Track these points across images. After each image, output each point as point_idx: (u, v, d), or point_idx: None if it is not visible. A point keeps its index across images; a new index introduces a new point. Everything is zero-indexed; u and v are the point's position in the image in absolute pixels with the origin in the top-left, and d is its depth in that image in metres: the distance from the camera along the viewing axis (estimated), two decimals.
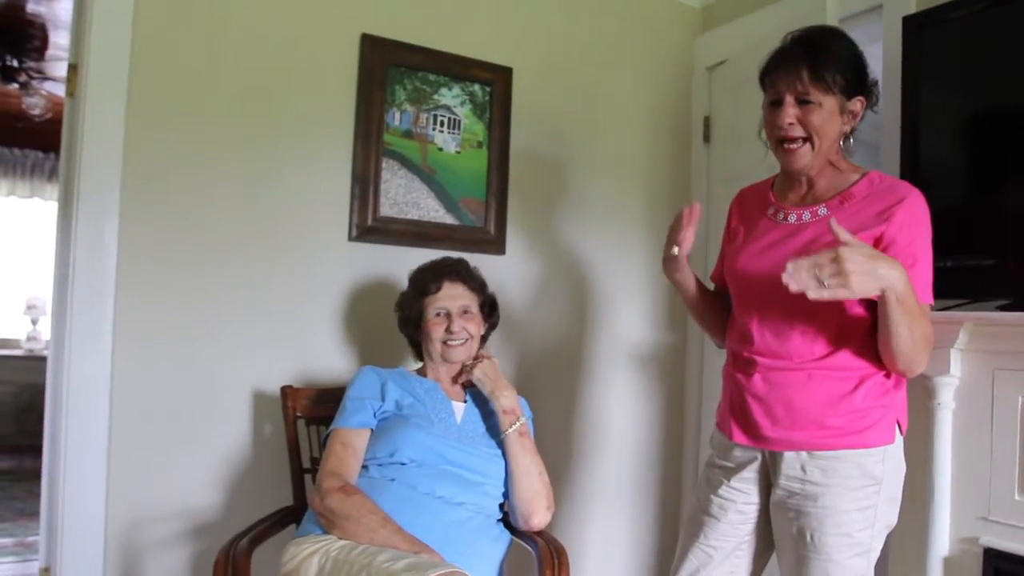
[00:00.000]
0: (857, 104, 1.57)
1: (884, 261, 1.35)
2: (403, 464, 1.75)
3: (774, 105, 1.58)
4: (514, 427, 1.86)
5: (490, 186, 2.62)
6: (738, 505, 1.64)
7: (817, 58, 1.53)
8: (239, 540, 1.74)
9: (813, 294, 1.33)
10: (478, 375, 1.92)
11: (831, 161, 1.60)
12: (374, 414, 1.84)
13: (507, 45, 2.67)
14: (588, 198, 2.85)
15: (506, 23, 2.69)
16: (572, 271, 2.82)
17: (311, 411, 2.12)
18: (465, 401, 1.96)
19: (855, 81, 1.55)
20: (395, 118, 2.46)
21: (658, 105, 3.02)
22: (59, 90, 4.46)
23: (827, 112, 1.53)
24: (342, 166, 2.38)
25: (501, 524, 1.85)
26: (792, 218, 1.62)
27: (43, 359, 2.32)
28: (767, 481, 1.62)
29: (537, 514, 1.83)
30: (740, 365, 1.66)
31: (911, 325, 1.41)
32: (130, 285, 2.08)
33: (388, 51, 2.43)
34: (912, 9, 2.23)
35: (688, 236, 1.67)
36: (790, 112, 1.54)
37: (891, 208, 1.49)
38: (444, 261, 2.07)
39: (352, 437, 1.80)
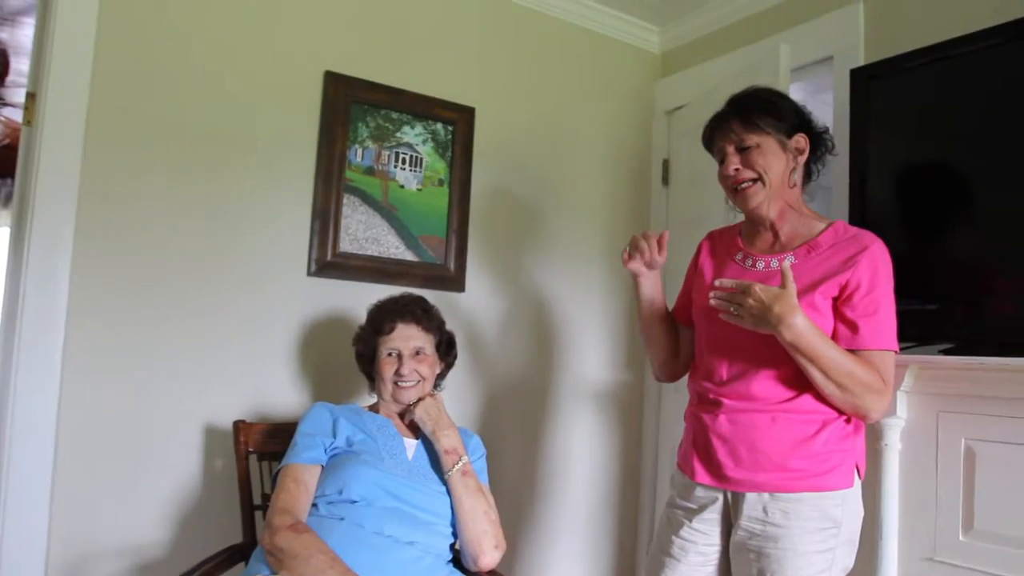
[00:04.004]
0: (800, 140, 1.65)
1: (776, 309, 1.45)
2: (353, 502, 1.73)
3: (722, 162, 1.68)
4: (456, 467, 1.84)
5: (451, 224, 2.63)
6: (699, 546, 1.65)
7: (743, 108, 1.65)
8: None
9: (722, 315, 1.53)
10: (419, 414, 1.91)
11: (791, 206, 1.67)
12: (325, 450, 1.82)
13: (470, 85, 2.71)
14: (548, 237, 2.88)
15: (469, 64, 2.73)
16: (531, 309, 2.84)
17: (263, 446, 2.09)
18: (417, 438, 1.95)
19: (790, 120, 1.65)
20: (357, 155, 2.47)
21: (618, 147, 3.08)
22: (18, 116, 4.40)
23: (767, 151, 1.63)
24: (303, 201, 2.38)
25: (451, 565, 1.83)
26: (760, 265, 1.68)
27: None
28: (728, 522, 1.63)
29: (485, 554, 1.81)
30: (705, 405, 1.68)
31: (823, 369, 1.49)
32: (81, 316, 2.05)
33: (352, 89, 2.45)
34: (861, 62, 2.32)
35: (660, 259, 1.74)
36: (733, 160, 1.65)
37: (856, 256, 1.56)
38: (401, 300, 2.06)
39: (303, 473, 1.77)
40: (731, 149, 1.65)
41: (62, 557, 2.01)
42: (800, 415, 1.56)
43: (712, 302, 1.54)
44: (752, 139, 1.62)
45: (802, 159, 1.66)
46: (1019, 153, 1.81)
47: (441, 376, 2.10)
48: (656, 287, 1.82)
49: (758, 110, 1.63)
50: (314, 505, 1.76)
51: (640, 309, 1.85)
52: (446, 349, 2.09)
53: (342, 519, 1.71)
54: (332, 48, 2.45)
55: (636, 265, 1.76)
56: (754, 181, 1.63)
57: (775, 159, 1.63)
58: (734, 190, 1.67)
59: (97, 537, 2.06)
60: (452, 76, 2.68)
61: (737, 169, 1.64)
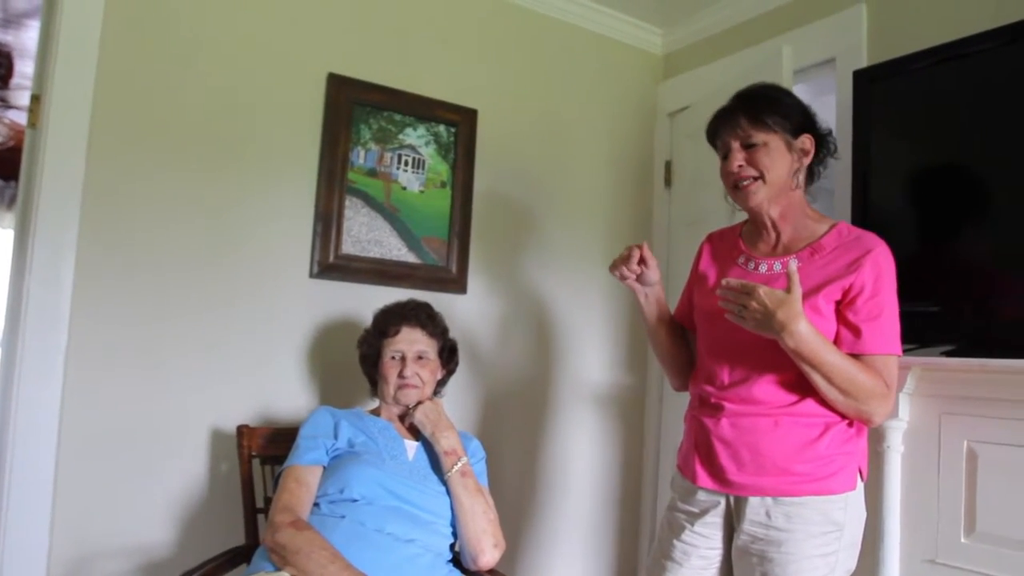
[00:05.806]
0: (806, 141, 1.64)
1: (780, 315, 1.43)
2: (354, 501, 1.75)
3: (725, 158, 1.66)
4: (456, 467, 1.86)
5: (453, 226, 2.63)
6: (701, 550, 1.64)
7: (752, 104, 1.63)
8: None
9: (728, 315, 1.51)
10: (419, 417, 1.93)
11: (794, 207, 1.65)
12: (327, 452, 1.84)
13: (473, 87, 2.71)
14: (550, 239, 2.88)
15: (472, 66, 2.73)
16: (533, 311, 2.84)
17: (266, 450, 2.10)
18: (418, 440, 1.96)
19: (797, 120, 1.64)
20: (360, 156, 2.48)
21: (621, 149, 3.08)
22: (22, 119, 4.42)
23: (773, 150, 1.61)
24: (305, 203, 2.39)
25: (451, 564, 1.84)
26: (763, 268, 1.66)
27: None
28: (730, 526, 1.62)
29: (485, 553, 1.83)
30: (707, 409, 1.67)
31: (826, 376, 1.48)
32: (85, 318, 2.05)
33: (354, 90, 2.46)
34: (863, 63, 2.31)
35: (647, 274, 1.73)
36: (738, 157, 1.63)
37: (860, 259, 1.55)
38: (407, 305, 2.08)
39: (305, 474, 1.79)
40: (736, 145, 1.63)
41: (64, 556, 2.01)
42: (803, 419, 1.55)
43: (720, 302, 1.53)
44: (759, 137, 1.61)
45: (807, 160, 1.65)
46: (1022, 155, 1.80)
47: (442, 383, 2.11)
48: (657, 300, 1.80)
49: (766, 108, 1.62)
50: (316, 504, 1.78)
51: (645, 323, 1.84)
52: (448, 355, 2.11)
53: (343, 517, 1.73)
54: (335, 50, 2.45)
55: (629, 282, 1.75)
56: (755, 179, 1.62)
57: (780, 158, 1.61)
58: (735, 187, 1.65)
59: (99, 537, 2.06)
60: (455, 78, 2.68)
61: (741, 166, 1.62)
